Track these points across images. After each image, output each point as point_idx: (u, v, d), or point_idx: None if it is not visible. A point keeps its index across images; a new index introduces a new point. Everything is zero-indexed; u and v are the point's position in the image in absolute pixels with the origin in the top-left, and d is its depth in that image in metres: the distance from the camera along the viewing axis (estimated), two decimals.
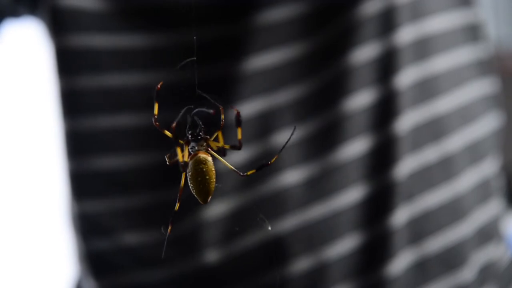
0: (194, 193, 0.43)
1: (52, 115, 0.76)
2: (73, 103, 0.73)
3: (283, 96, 0.71)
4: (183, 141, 0.42)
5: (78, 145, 0.74)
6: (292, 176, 0.71)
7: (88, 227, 0.75)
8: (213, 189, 0.43)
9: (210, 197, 0.43)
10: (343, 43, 0.70)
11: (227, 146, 0.43)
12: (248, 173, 0.44)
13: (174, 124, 0.41)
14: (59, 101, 0.74)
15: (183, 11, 0.67)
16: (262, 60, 0.71)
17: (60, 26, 0.72)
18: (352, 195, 0.71)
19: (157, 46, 0.70)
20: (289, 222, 0.70)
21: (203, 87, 0.70)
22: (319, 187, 0.70)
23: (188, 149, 0.42)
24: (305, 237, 0.70)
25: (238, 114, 0.41)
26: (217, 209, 0.71)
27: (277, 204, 0.70)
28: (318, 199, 0.70)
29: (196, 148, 0.42)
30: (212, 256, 0.71)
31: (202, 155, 0.42)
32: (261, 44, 0.70)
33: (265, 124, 0.71)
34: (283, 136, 0.71)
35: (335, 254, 0.71)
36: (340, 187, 0.71)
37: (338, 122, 0.70)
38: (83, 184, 0.74)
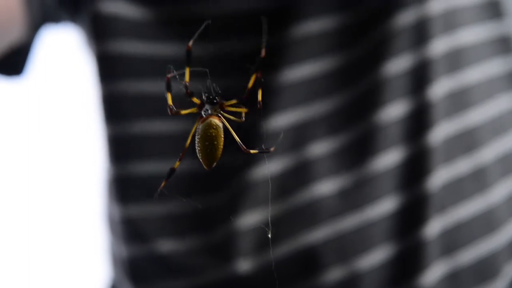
0: (199, 157, 0.42)
1: (93, 120, 0.77)
2: (113, 109, 0.74)
3: (318, 108, 0.71)
4: (199, 100, 0.41)
5: (118, 150, 0.75)
6: (325, 187, 0.71)
7: (127, 232, 0.75)
8: (219, 155, 0.42)
9: (214, 163, 0.42)
10: (377, 55, 0.71)
11: (233, 109, 0.42)
12: (252, 151, 0.42)
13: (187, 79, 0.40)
14: (100, 107, 0.75)
15: (219, 22, 0.67)
16: (298, 72, 0.71)
17: (100, 32, 0.73)
18: (385, 206, 0.71)
19: (194, 55, 0.71)
20: (322, 233, 0.70)
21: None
22: (352, 197, 0.71)
23: (202, 112, 0.41)
24: (338, 247, 0.70)
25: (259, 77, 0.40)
26: (250, 219, 0.71)
27: (310, 214, 0.71)
28: (351, 210, 0.71)
29: (209, 111, 0.41)
30: (244, 265, 0.71)
31: (214, 120, 0.41)
32: (297, 56, 0.71)
33: (300, 135, 0.71)
34: (318, 147, 0.71)
35: (368, 265, 0.71)
36: (373, 198, 0.71)
37: (372, 133, 0.71)
38: (123, 188, 0.75)
